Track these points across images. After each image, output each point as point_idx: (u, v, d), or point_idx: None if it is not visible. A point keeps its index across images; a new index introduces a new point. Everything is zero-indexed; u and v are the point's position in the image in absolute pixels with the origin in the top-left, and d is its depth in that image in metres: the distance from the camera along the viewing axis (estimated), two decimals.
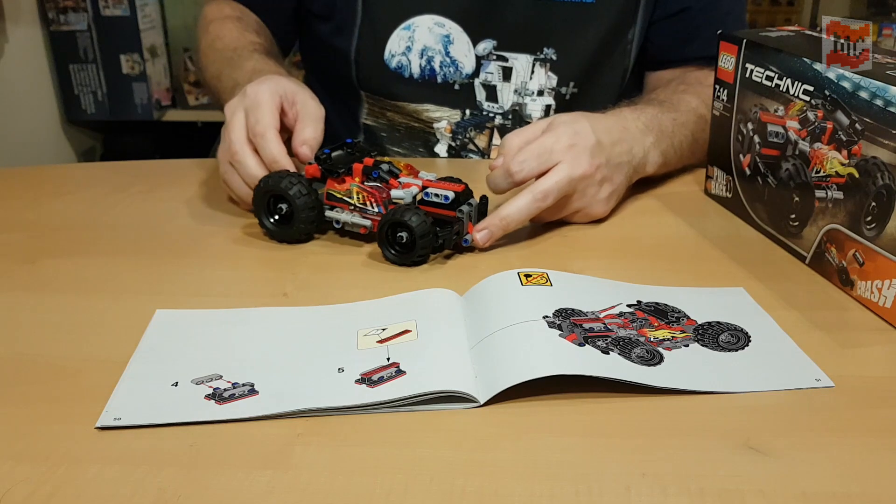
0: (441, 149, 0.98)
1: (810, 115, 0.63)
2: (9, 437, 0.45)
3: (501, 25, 0.92)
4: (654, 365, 0.50)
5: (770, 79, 0.67)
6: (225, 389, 0.48)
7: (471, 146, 0.98)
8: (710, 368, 0.50)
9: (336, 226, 0.69)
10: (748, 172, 0.72)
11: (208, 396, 0.47)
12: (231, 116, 0.71)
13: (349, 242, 0.69)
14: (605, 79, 0.96)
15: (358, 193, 0.67)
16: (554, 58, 0.93)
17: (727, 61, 0.73)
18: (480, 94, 0.96)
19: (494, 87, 0.95)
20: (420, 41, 0.92)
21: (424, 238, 0.63)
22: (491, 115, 0.97)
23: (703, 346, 0.52)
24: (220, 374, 0.50)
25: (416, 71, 0.94)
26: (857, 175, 0.58)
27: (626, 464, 0.42)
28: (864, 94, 0.57)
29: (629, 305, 0.56)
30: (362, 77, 0.95)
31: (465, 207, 0.66)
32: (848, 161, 0.59)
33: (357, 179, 0.67)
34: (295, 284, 0.62)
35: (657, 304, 0.57)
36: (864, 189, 0.57)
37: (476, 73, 0.94)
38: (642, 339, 0.52)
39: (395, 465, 0.42)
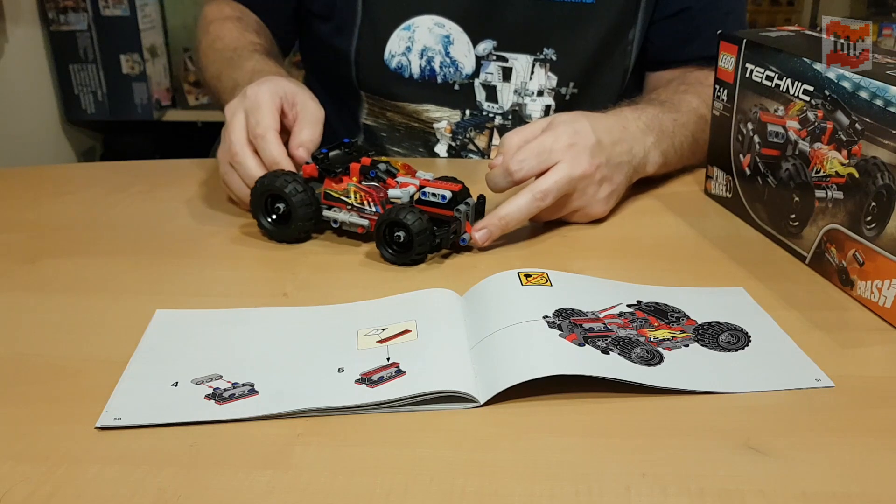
0: (441, 149, 0.98)
1: (810, 115, 0.63)
2: (9, 437, 0.45)
3: (501, 26, 0.92)
4: (654, 365, 0.50)
5: (770, 79, 0.67)
6: (225, 389, 0.48)
7: (471, 146, 0.98)
8: (710, 368, 0.50)
9: (334, 225, 0.69)
10: (748, 172, 0.72)
11: (208, 396, 0.47)
12: (231, 117, 0.71)
13: (347, 242, 0.69)
14: (605, 79, 0.96)
15: (355, 193, 0.67)
16: (554, 58, 0.93)
17: (727, 61, 0.73)
18: (480, 95, 0.96)
19: (494, 87, 0.95)
20: (420, 41, 0.92)
21: (421, 237, 0.63)
22: (491, 115, 0.96)
23: (703, 346, 0.52)
24: (220, 374, 0.50)
25: (416, 71, 0.94)
26: (857, 175, 0.58)
27: (626, 464, 0.42)
28: (864, 94, 0.57)
29: (629, 305, 0.56)
30: (362, 77, 0.95)
31: (462, 207, 0.66)
32: (848, 161, 0.59)
33: (354, 179, 0.67)
34: (295, 284, 0.62)
35: (657, 304, 0.57)
36: (864, 189, 0.57)
37: (476, 74, 0.94)
38: (642, 339, 0.52)
39: (395, 465, 0.42)
